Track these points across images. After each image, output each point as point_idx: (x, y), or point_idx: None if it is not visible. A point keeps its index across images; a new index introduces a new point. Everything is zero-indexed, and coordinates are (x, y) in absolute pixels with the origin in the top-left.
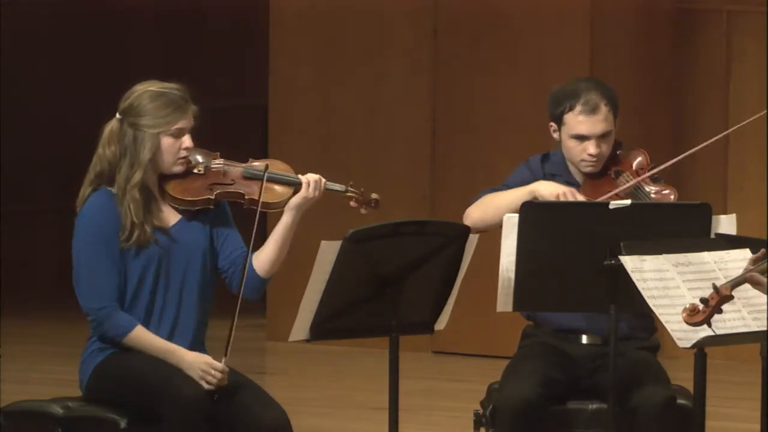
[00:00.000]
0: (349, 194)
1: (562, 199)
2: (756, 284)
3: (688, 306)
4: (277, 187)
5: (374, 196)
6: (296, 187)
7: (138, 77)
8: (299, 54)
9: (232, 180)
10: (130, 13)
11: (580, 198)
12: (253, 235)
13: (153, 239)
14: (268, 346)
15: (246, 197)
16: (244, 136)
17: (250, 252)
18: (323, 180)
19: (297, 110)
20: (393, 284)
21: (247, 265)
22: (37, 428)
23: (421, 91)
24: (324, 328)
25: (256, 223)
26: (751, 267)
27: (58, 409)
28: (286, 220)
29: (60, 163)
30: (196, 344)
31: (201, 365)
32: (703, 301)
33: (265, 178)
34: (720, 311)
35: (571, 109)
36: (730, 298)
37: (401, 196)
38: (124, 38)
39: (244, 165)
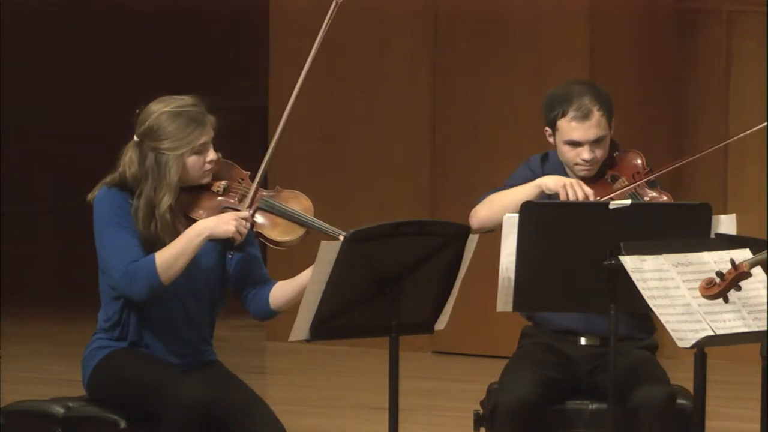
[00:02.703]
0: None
1: (568, 188)
2: None
3: (705, 278)
4: (288, 225)
5: None
6: (308, 228)
7: (138, 77)
8: (299, 54)
9: (246, 207)
10: (130, 13)
11: (586, 188)
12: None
13: None
14: (268, 346)
15: (253, 229)
16: (244, 136)
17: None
18: None
19: (297, 110)
20: (393, 284)
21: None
22: (37, 428)
23: (421, 91)
24: (324, 328)
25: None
26: None
27: (58, 409)
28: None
29: (60, 163)
30: (202, 354)
31: (232, 216)
32: (719, 275)
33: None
34: (738, 288)
35: (563, 114)
36: (747, 275)
37: (401, 197)
38: (124, 38)
39: (263, 193)
